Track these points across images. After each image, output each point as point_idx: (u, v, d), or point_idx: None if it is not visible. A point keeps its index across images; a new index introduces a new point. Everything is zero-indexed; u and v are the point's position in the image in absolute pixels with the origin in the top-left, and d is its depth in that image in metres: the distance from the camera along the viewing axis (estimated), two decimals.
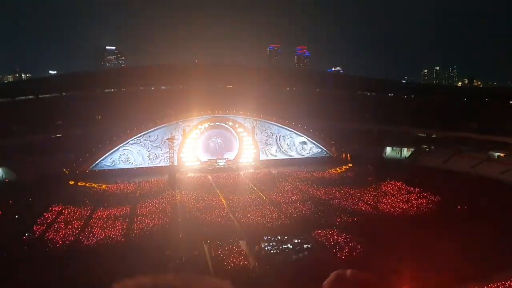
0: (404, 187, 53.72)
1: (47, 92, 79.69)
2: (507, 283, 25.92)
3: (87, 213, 44.41)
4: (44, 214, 43.56)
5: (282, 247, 33.75)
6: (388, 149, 79.58)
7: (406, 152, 78.17)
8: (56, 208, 45.50)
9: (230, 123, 73.62)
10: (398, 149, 79.05)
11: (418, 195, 49.66)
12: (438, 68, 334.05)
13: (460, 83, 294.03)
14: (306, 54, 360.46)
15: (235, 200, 48.68)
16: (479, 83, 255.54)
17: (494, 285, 25.69)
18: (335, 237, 35.54)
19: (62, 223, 40.69)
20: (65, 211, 44.64)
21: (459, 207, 44.30)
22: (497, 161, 65.26)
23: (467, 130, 71.58)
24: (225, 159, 72.09)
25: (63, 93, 79.95)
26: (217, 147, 73.19)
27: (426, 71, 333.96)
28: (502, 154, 66.12)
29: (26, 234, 37.91)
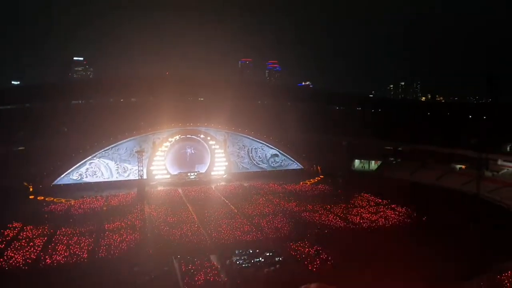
0: (373, 199, 54.88)
1: (10, 103, 76.98)
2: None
3: (50, 230, 42.49)
4: (3, 231, 41.43)
5: (253, 260, 33.49)
6: (356, 162, 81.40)
7: (373, 165, 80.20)
8: (17, 225, 43.35)
9: (202, 136, 73.12)
10: (366, 161, 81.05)
11: (386, 207, 50.80)
12: (403, 83, 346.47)
13: (423, 98, 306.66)
14: (277, 68, 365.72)
15: (206, 214, 47.99)
16: (441, 98, 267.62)
17: None
18: (306, 249, 35.67)
19: (23, 241, 38.79)
20: (26, 228, 42.53)
21: (424, 218, 45.69)
22: (459, 173, 67.94)
23: (432, 143, 74.42)
24: (196, 172, 71.31)
25: (27, 104, 77.44)
26: (187, 158, 72.34)
27: (392, 86, 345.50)
28: (463, 166, 68.96)
29: None
